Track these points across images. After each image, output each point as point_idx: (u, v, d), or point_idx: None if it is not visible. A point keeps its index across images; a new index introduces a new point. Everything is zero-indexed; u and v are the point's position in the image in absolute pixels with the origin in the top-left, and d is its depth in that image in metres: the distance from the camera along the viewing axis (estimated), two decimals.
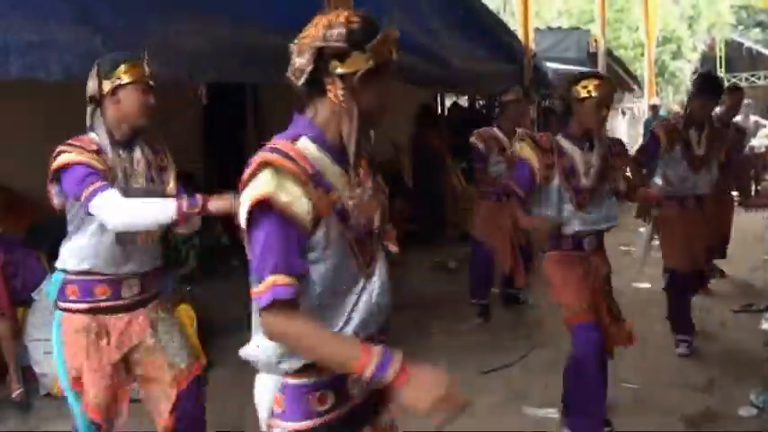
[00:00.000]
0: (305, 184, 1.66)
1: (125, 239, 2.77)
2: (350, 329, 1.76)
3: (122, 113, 2.72)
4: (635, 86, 16.21)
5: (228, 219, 2.31)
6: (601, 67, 12.04)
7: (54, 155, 2.67)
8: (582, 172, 3.50)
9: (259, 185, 1.64)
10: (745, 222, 6.46)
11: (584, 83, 3.43)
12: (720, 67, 23.78)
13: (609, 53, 13.06)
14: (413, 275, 7.67)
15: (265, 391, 1.82)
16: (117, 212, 2.59)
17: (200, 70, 4.35)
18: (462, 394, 1.64)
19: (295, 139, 1.72)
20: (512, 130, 5.69)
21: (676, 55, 22.79)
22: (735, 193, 6.43)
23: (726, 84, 6.90)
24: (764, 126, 13.89)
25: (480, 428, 3.92)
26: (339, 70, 1.68)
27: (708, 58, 24.20)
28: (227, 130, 7.32)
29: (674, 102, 19.65)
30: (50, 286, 2.91)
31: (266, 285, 1.64)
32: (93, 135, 2.72)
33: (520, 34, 9.06)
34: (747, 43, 24.63)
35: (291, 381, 1.79)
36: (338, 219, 1.73)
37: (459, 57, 7.35)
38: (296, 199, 1.65)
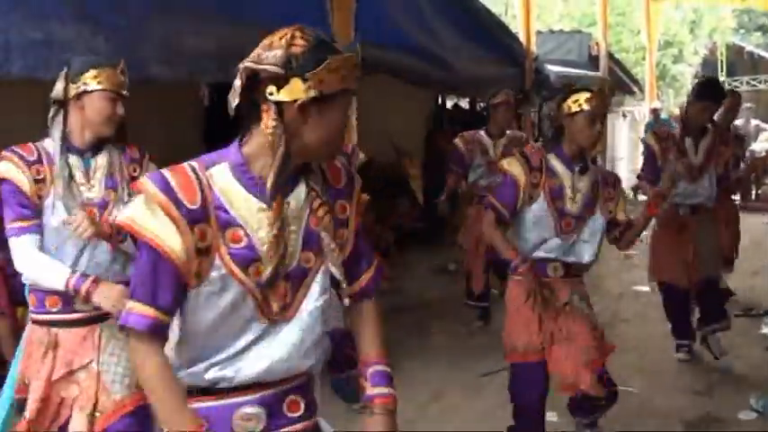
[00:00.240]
0: (176, 219, 1.54)
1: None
2: (242, 375, 1.64)
3: (86, 120, 2.57)
4: (636, 90, 16.21)
5: None
6: (602, 71, 12.06)
7: None
8: (569, 196, 3.26)
9: (130, 210, 1.59)
10: (745, 227, 6.45)
11: (574, 97, 3.19)
12: (722, 71, 23.74)
13: (610, 56, 13.05)
14: (413, 278, 7.67)
15: None
16: (24, 263, 2.52)
17: (201, 70, 4.35)
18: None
19: (211, 164, 1.61)
20: (500, 134, 5.67)
21: (678, 59, 22.76)
22: (737, 197, 6.43)
23: (726, 88, 6.86)
24: (765, 130, 13.88)
25: (479, 431, 3.92)
26: (275, 97, 1.53)
27: (709, 62, 24.18)
28: (227, 131, 7.31)
29: (674, 105, 19.64)
30: None
31: (128, 308, 1.59)
32: (47, 141, 2.60)
33: (521, 37, 9.06)
34: (749, 47, 24.58)
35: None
36: (239, 257, 1.59)
37: (460, 59, 7.35)
38: (165, 232, 1.54)
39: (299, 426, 1.74)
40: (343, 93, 1.59)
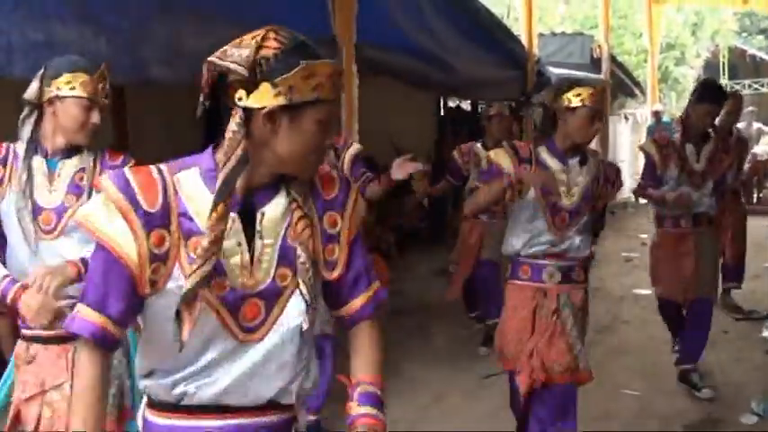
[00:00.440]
0: (131, 221, 1.43)
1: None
2: (203, 393, 1.51)
3: (58, 125, 2.47)
4: (638, 92, 16.22)
5: None
6: (604, 73, 12.06)
7: None
8: (563, 190, 3.15)
9: (87, 207, 1.50)
10: (746, 230, 6.44)
11: (578, 90, 3.08)
12: (724, 74, 23.77)
13: (612, 59, 13.06)
14: (413, 279, 7.68)
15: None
16: None
17: (202, 71, 4.35)
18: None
19: (181, 168, 1.50)
20: (495, 146, 5.62)
21: (680, 61, 22.79)
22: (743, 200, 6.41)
23: (728, 90, 6.82)
24: (767, 134, 13.87)
25: None
26: (243, 103, 1.41)
27: (711, 65, 24.21)
28: None
29: (676, 108, 19.66)
30: None
31: (75, 311, 1.49)
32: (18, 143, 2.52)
33: (523, 39, 9.06)
34: (751, 50, 24.61)
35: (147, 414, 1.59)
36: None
37: (461, 60, 7.35)
38: (119, 233, 1.43)
39: None
40: (319, 103, 1.45)
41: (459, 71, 7.24)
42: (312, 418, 3.60)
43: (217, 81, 1.46)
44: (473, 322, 5.99)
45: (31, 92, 2.47)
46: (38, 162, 2.50)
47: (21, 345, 2.60)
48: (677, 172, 4.41)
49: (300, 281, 1.50)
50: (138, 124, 5.74)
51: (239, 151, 1.41)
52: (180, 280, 1.44)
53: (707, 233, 4.61)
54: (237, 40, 1.45)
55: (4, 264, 2.49)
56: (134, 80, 4.07)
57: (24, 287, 2.33)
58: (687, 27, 22.88)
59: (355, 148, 3.91)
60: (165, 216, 1.45)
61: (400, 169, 3.71)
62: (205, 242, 1.41)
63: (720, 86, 4.85)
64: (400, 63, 6.21)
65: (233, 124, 1.42)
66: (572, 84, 3.19)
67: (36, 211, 2.47)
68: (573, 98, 3.07)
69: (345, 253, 1.59)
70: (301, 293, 1.50)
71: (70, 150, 2.52)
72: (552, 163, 3.18)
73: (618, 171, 3.47)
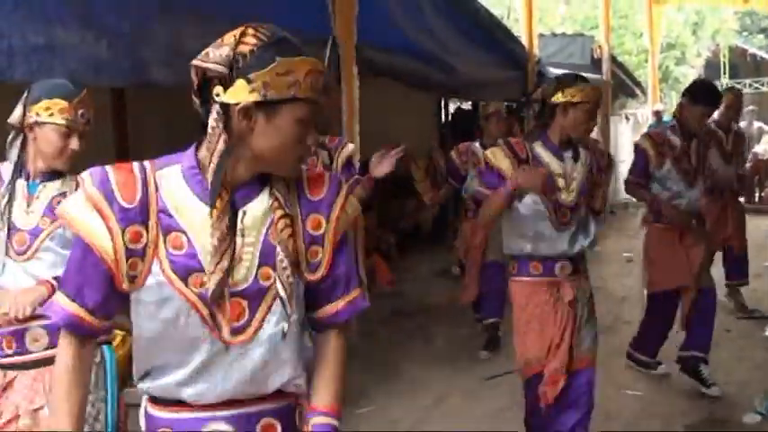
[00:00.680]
0: (105, 216, 1.45)
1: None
2: (203, 397, 1.52)
3: (38, 150, 2.50)
4: (639, 92, 16.21)
5: None
6: (605, 74, 12.05)
7: None
8: (562, 186, 3.15)
9: (69, 201, 1.52)
10: (748, 229, 6.43)
11: (579, 85, 3.10)
12: (724, 74, 23.77)
13: (613, 59, 13.05)
14: (414, 280, 7.67)
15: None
16: None
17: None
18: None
19: (164, 166, 1.51)
20: (493, 145, 5.62)
21: (680, 61, 22.80)
22: (742, 200, 6.40)
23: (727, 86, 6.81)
24: None
25: None
26: (220, 98, 1.41)
27: (712, 64, 24.21)
28: None
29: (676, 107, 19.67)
30: None
31: (53, 298, 1.53)
32: (6, 163, 2.56)
33: (524, 40, 9.07)
34: (751, 49, 24.60)
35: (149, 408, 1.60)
36: (178, 265, 1.46)
37: (462, 62, 7.35)
38: (95, 227, 1.45)
39: None
40: (297, 101, 1.43)
41: (459, 72, 7.25)
42: None
43: (202, 83, 1.47)
44: (475, 324, 5.98)
45: (14, 116, 2.51)
46: (20, 184, 2.54)
47: None
48: (672, 169, 4.40)
49: (278, 280, 1.49)
50: (138, 125, 5.74)
51: (221, 145, 1.43)
52: (159, 275, 1.46)
53: (699, 234, 4.60)
54: (219, 39, 1.46)
55: None
56: (134, 82, 4.07)
57: None
58: (688, 26, 22.87)
59: (349, 149, 3.82)
60: (144, 212, 1.46)
61: (379, 166, 3.60)
62: (214, 240, 1.44)
63: (714, 87, 4.76)
64: (400, 64, 6.21)
65: (211, 120, 1.43)
66: (571, 79, 3.19)
67: (11, 231, 2.49)
68: (575, 93, 3.09)
69: (329, 255, 1.57)
70: (278, 293, 1.49)
71: (52, 174, 2.54)
72: (548, 158, 3.18)
73: (607, 156, 3.47)
